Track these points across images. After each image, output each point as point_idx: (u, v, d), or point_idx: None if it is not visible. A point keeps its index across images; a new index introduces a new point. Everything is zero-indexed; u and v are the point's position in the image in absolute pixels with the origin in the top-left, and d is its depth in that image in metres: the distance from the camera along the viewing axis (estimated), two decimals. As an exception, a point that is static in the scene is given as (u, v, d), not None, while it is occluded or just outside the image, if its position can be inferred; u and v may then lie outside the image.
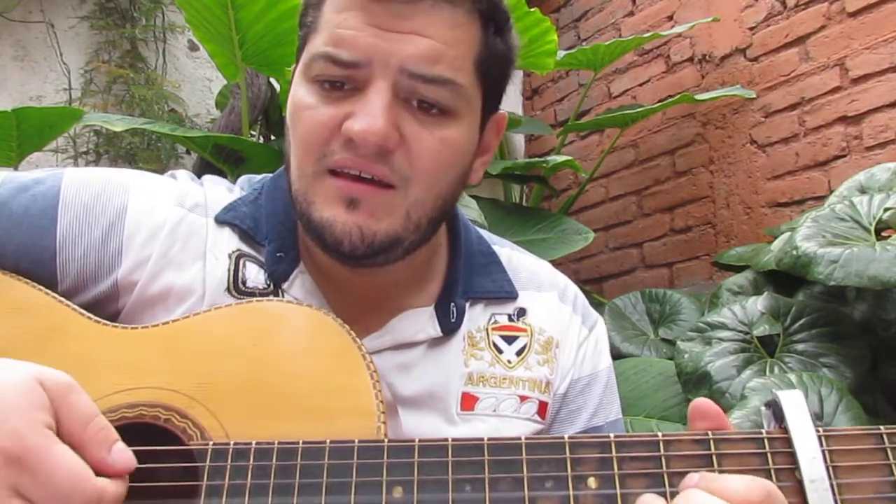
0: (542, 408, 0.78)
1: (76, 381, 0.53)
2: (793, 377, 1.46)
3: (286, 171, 0.72)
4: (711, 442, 0.53)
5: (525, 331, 0.80)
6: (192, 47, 2.92)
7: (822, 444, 0.52)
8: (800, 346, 1.61)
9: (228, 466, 0.55)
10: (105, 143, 2.69)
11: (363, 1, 0.65)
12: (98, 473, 0.50)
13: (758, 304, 1.72)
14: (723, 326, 1.71)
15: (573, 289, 0.86)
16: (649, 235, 2.90)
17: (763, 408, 0.56)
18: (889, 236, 1.56)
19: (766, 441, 0.53)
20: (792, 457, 0.52)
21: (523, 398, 0.77)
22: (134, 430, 0.58)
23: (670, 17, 2.82)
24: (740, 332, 1.69)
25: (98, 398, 0.60)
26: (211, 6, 1.99)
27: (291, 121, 0.69)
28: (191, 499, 0.54)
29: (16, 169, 2.16)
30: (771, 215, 2.42)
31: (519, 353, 0.78)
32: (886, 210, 1.59)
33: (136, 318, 0.70)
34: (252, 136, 2.34)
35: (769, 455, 0.53)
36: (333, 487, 0.53)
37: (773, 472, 0.52)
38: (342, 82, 0.66)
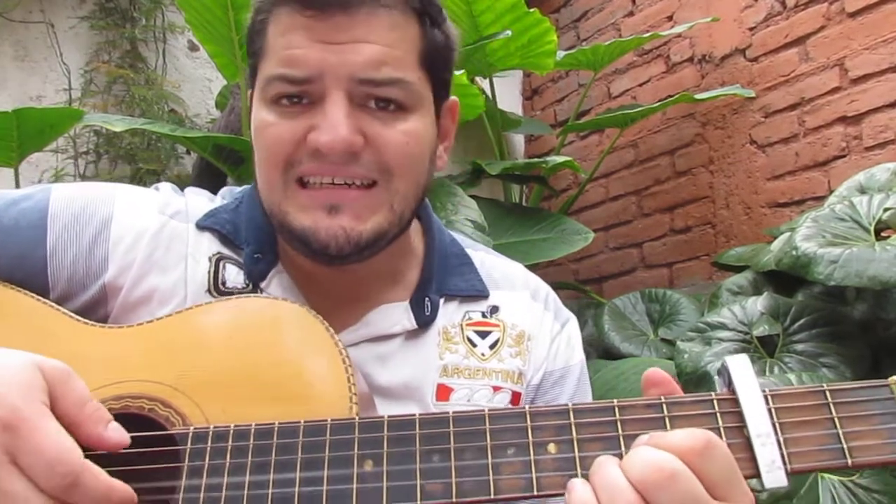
0: (516, 398, 0.81)
1: None
2: (792, 377, 1.46)
3: (256, 190, 0.76)
4: (664, 405, 0.56)
5: (498, 326, 0.83)
6: (192, 47, 2.92)
7: (768, 403, 0.55)
8: (799, 346, 1.61)
9: (208, 448, 0.57)
10: (105, 144, 2.69)
11: (305, 20, 0.68)
12: (95, 448, 0.54)
13: (757, 304, 1.72)
14: (722, 326, 1.72)
15: (545, 288, 0.89)
16: (649, 235, 2.90)
17: (716, 376, 0.59)
18: (889, 236, 1.57)
19: (715, 402, 0.56)
20: (739, 416, 0.54)
21: (496, 388, 0.80)
22: (120, 420, 0.60)
23: (670, 18, 2.82)
24: (740, 332, 1.69)
25: None
26: (211, 6, 1.99)
27: (256, 141, 0.73)
28: (174, 480, 0.56)
29: (16, 169, 2.16)
30: (771, 215, 2.42)
31: (492, 346, 0.82)
32: (886, 210, 1.59)
33: (123, 321, 0.73)
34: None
35: (718, 415, 0.55)
36: (308, 463, 0.56)
37: (722, 430, 0.54)
38: (299, 97, 0.70)
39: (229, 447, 0.57)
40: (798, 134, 2.34)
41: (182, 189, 0.85)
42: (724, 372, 0.57)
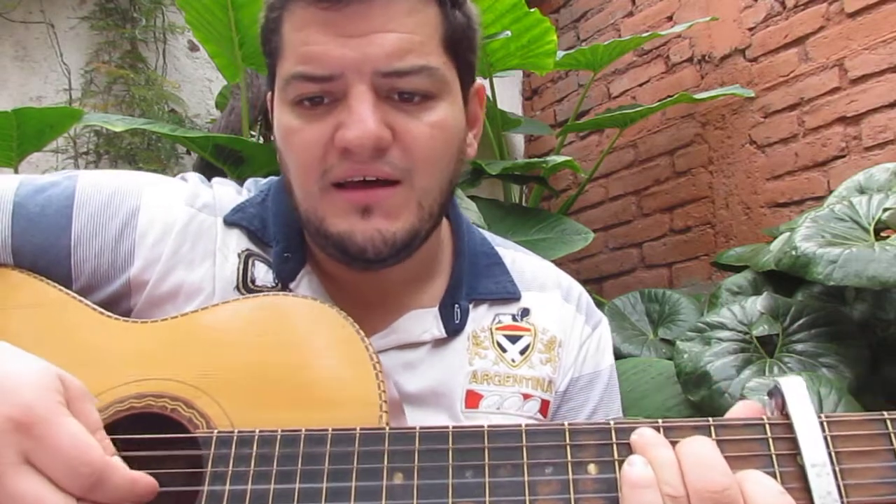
0: (545, 406, 0.79)
1: (89, 371, 0.55)
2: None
3: (288, 193, 0.73)
4: (712, 428, 0.53)
5: (529, 330, 0.81)
6: (192, 48, 2.92)
7: (824, 430, 0.52)
8: (799, 346, 1.61)
9: (232, 454, 0.56)
10: (105, 144, 2.69)
11: (321, 13, 0.65)
12: None
13: (757, 304, 1.72)
14: (722, 326, 1.72)
15: (577, 288, 0.87)
16: (649, 235, 2.90)
17: (766, 396, 0.56)
18: (888, 236, 1.57)
19: (767, 427, 0.53)
20: (793, 442, 0.52)
21: (526, 396, 0.78)
22: (142, 420, 0.60)
23: (670, 18, 2.82)
24: (739, 332, 1.69)
25: (108, 389, 0.62)
26: (211, 7, 2.00)
27: (284, 146, 0.71)
28: (196, 485, 0.55)
29: (16, 170, 2.16)
30: (770, 215, 2.42)
31: (522, 352, 0.79)
32: (885, 210, 1.59)
33: (147, 316, 0.71)
34: (252, 136, 2.34)
35: (770, 440, 0.52)
36: (335, 474, 0.54)
37: (774, 457, 0.52)
38: (321, 97, 0.67)
39: (254, 454, 0.55)
40: (797, 134, 2.35)
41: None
42: (776, 394, 0.54)
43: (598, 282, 3.11)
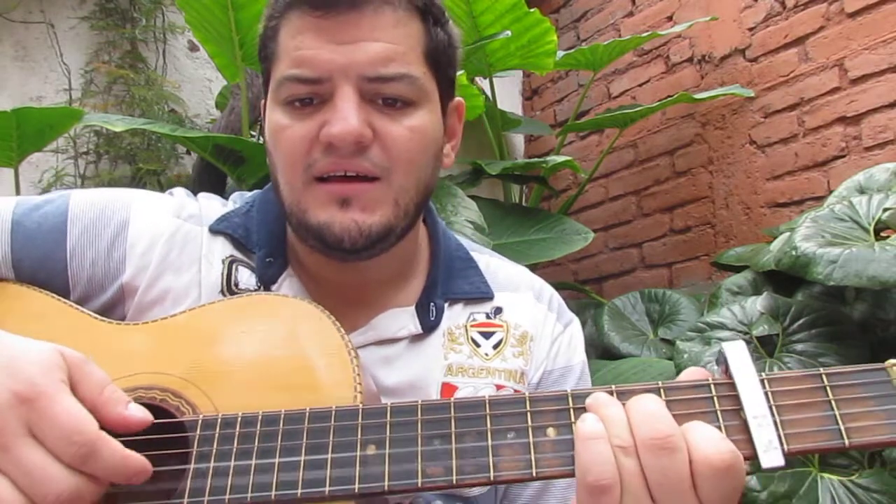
0: None
1: None
2: (792, 377, 1.46)
3: (275, 191, 0.78)
4: (661, 390, 0.57)
5: (501, 326, 0.85)
6: (192, 48, 2.92)
7: (764, 386, 0.56)
8: (799, 346, 1.61)
9: (217, 435, 0.60)
10: (105, 144, 2.69)
11: (314, 21, 0.71)
12: (118, 428, 0.55)
13: (757, 304, 1.72)
14: (722, 326, 1.72)
15: (549, 290, 0.91)
16: (649, 235, 2.90)
17: (714, 365, 0.59)
18: (888, 236, 1.57)
19: (712, 387, 0.57)
20: (736, 399, 0.56)
21: (499, 387, 0.82)
22: None
23: (670, 18, 2.82)
24: (740, 332, 1.69)
25: None
26: (211, 7, 2.00)
27: (272, 143, 0.76)
28: (183, 465, 0.59)
29: (16, 169, 2.16)
30: (770, 215, 2.42)
31: (496, 346, 0.84)
32: (885, 210, 1.59)
33: (138, 321, 0.75)
34: (252, 136, 2.34)
35: (715, 398, 0.56)
36: (312, 447, 0.58)
37: (719, 412, 0.56)
38: (310, 98, 0.73)
39: (237, 433, 0.59)
40: (797, 134, 2.35)
41: (194, 194, 0.87)
42: (721, 358, 0.58)
43: (598, 282, 3.11)
